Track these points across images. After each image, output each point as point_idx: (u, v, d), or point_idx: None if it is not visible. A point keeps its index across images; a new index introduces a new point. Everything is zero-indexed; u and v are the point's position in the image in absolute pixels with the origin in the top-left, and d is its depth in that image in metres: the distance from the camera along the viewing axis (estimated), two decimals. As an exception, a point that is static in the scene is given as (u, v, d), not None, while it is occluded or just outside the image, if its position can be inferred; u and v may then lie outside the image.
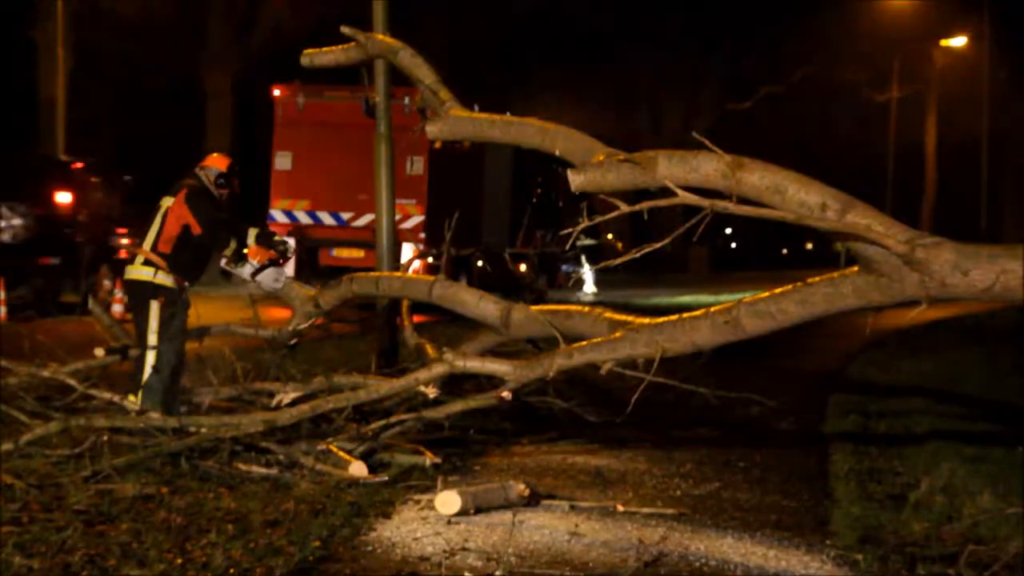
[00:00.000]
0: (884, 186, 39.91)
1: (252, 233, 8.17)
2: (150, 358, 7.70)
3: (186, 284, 7.86)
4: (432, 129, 7.32)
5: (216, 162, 8.21)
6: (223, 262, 8.17)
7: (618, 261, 6.47)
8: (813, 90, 40.35)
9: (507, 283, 20.92)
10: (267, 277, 8.24)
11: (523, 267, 23.80)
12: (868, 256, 5.82)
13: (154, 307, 7.73)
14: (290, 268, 19.16)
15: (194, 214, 7.80)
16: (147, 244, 7.84)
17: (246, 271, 8.16)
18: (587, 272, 26.60)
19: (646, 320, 6.87)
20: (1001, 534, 5.99)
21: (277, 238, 8.38)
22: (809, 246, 60.56)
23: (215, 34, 30.17)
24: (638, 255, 6.04)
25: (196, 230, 7.80)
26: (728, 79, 41.33)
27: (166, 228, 7.80)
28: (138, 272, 7.84)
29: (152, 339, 7.72)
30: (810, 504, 6.91)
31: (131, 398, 7.70)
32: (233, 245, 8.14)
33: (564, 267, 27.03)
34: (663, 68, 40.20)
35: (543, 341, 8.63)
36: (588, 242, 25.36)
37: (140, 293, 7.83)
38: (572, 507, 6.54)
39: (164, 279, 7.76)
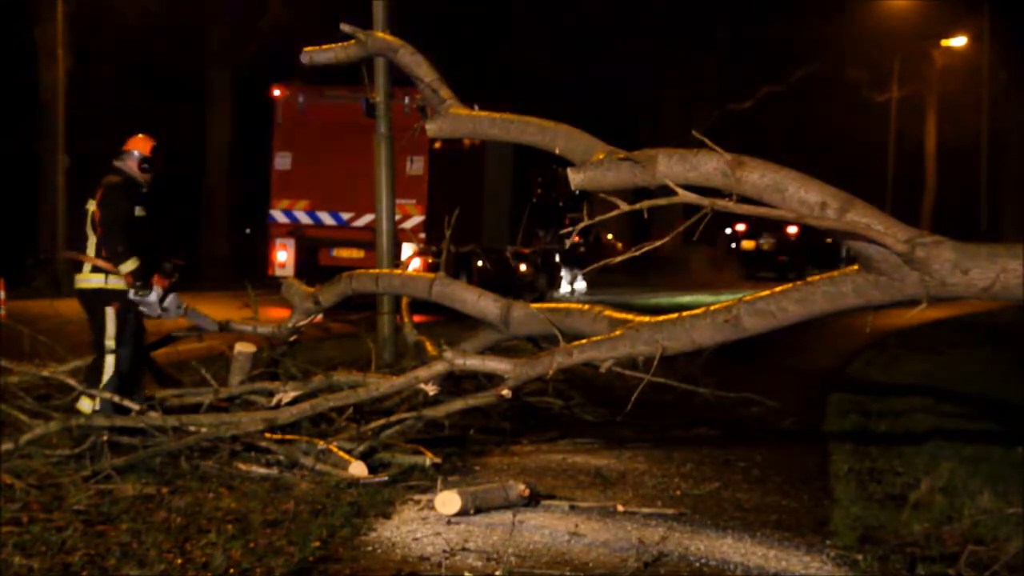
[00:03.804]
0: (884, 186, 39.90)
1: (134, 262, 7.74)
2: (109, 362, 7.65)
3: (137, 284, 7.75)
4: (432, 127, 7.32)
5: (138, 144, 7.94)
6: (131, 293, 7.75)
7: (617, 260, 6.46)
8: (813, 90, 40.33)
9: (507, 282, 20.92)
10: (172, 303, 8.07)
11: (523, 266, 23.80)
12: (868, 255, 5.82)
13: (110, 313, 7.66)
14: (290, 267, 19.31)
15: (100, 215, 7.58)
16: (90, 251, 7.70)
17: (152, 298, 7.90)
18: (565, 272, 26.50)
19: (646, 318, 6.86)
20: (1001, 534, 5.98)
21: (167, 263, 8.09)
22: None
23: (215, 34, 30.18)
24: (637, 253, 6.04)
25: (97, 229, 7.60)
26: (728, 79, 41.31)
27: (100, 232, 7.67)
28: (88, 280, 7.71)
29: (110, 344, 7.65)
30: (810, 504, 6.91)
31: (84, 401, 7.62)
32: (132, 265, 7.59)
33: (564, 269, 26.99)
34: (663, 67, 40.18)
35: (543, 340, 8.64)
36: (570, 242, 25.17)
37: (94, 300, 7.70)
38: (572, 507, 6.54)
39: (116, 283, 7.66)
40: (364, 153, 13.93)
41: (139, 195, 7.82)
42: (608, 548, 5.80)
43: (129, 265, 7.56)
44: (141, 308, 8.03)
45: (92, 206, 7.72)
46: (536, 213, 24.04)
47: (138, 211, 7.73)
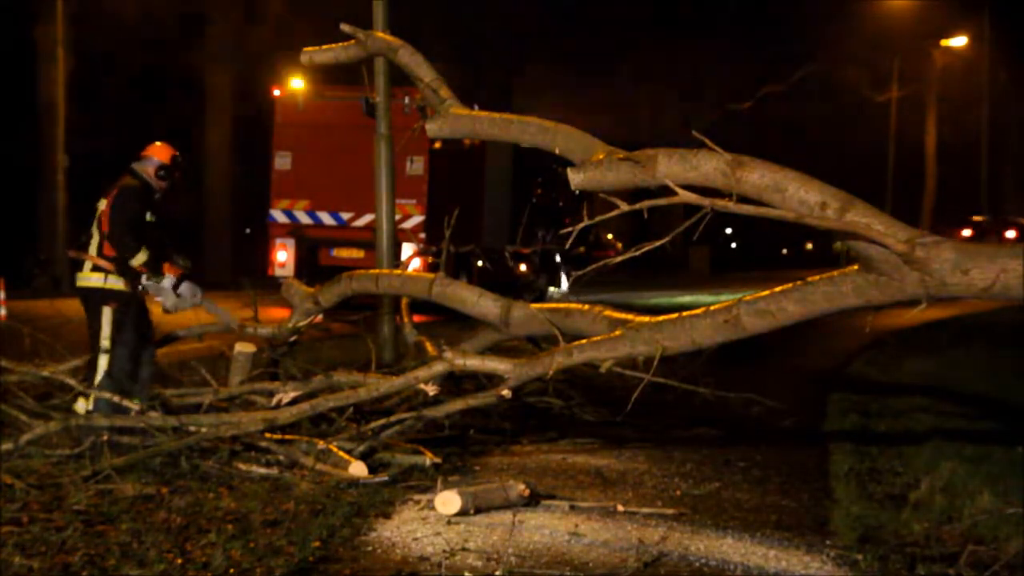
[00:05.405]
0: (884, 186, 39.92)
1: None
2: (103, 362, 7.62)
3: (139, 286, 7.76)
4: (432, 127, 7.31)
5: (158, 152, 7.95)
6: (143, 279, 7.80)
7: (617, 260, 6.46)
8: (813, 90, 40.36)
9: (507, 282, 20.92)
10: (187, 290, 8.05)
11: (523, 266, 23.79)
12: (868, 255, 5.81)
13: (107, 312, 7.64)
14: (290, 267, 19.32)
15: (110, 213, 7.59)
16: (92, 250, 7.71)
17: (166, 283, 7.88)
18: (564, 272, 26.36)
19: (646, 318, 6.86)
20: (1001, 534, 5.98)
21: (178, 256, 8.09)
22: (809, 246, 60.56)
23: (215, 34, 30.19)
24: (638, 253, 6.04)
25: (104, 227, 7.61)
26: (728, 78, 41.32)
27: (105, 232, 7.68)
28: (88, 279, 7.72)
29: (105, 344, 7.63)
30: (810, 504, 6.91)
31: (80, 402, 7.62)
32: (143, 256, 7.65)
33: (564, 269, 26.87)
34: (663, 67, 40.23)
35: (543, 340, 8.64)
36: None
37: (93, 299, 7.71)
38: (572, 507, 6.54)
39: (115, 283, 7.67)
40: (364, 153, 13.95)
41: (151, 201, 7.87)
42: (608, 548, 5.80)
43: (140, 257, 7.65)
44: (157, 297, 8.02)
45: (103, 205, 7.74)
46: (536, 213, 24.04)
47: (148, 216, 7.79)
